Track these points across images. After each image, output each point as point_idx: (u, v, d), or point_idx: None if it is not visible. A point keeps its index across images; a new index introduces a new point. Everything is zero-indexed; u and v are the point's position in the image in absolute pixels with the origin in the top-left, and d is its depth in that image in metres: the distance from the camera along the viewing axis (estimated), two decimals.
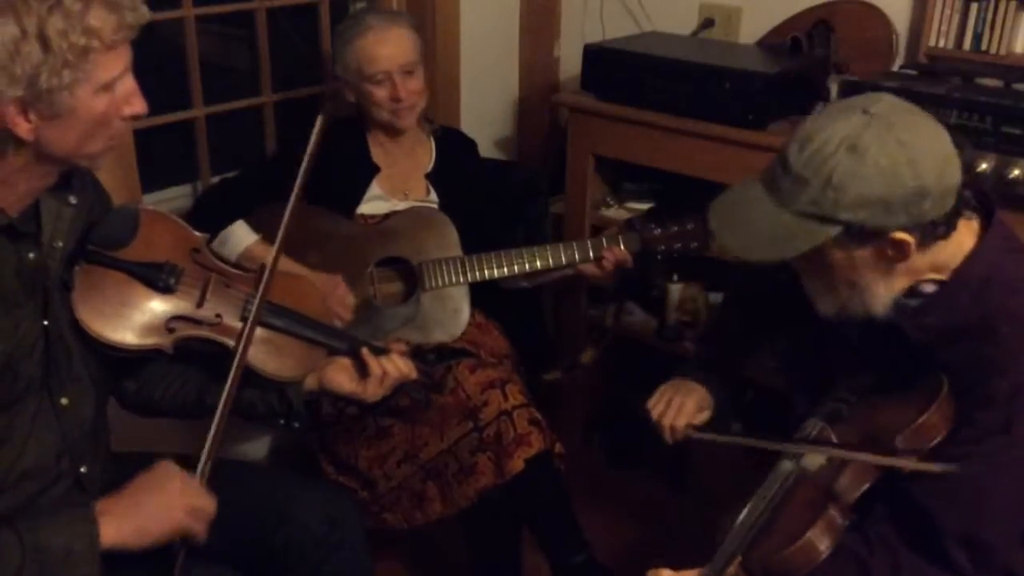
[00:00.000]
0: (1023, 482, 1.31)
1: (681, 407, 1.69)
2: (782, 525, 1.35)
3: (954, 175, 1.27)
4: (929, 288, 1.37)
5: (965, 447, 1.31)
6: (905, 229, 1.27)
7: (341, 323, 2.05)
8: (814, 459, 1.42)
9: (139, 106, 1.33)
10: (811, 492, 1.37)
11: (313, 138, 1.59)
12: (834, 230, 1.27)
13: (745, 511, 1.40)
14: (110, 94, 1.28)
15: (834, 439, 1.41)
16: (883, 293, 1.35)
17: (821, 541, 1.32)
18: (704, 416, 1.70)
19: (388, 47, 2.16)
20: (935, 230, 1.30)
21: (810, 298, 1.41)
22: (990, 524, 1.31)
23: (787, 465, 1.43)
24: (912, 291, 1.38)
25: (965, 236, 1.36)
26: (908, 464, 1.30)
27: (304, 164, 1.58)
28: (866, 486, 1.35)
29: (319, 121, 1.59)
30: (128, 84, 1.31)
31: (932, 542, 1.33)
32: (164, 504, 1.34)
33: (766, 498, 1.40)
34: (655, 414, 1.71)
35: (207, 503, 1.40)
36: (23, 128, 1.23)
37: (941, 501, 1.32)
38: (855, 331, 1.46)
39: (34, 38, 1.17)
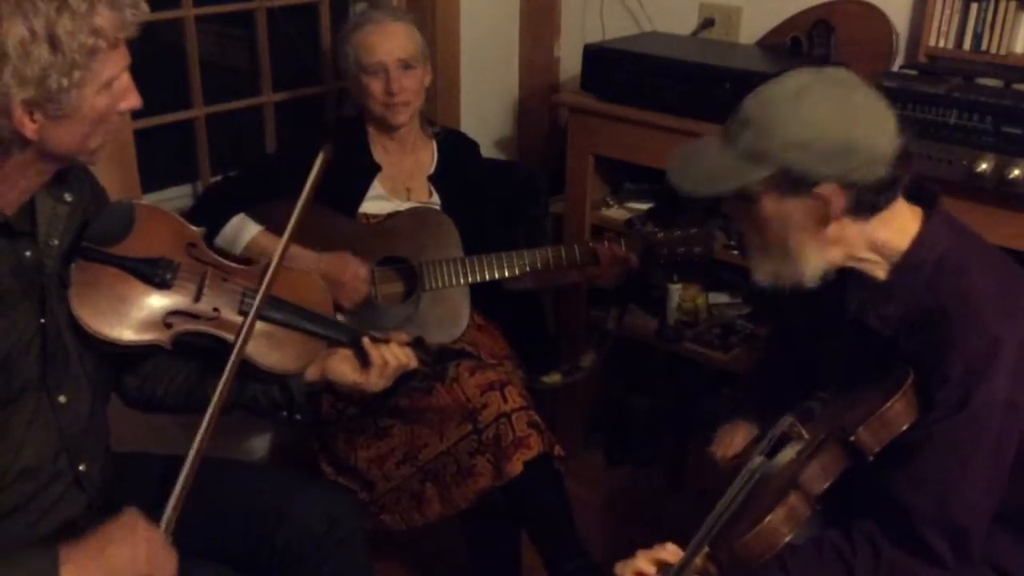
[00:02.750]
0: (987, 457, 1.33)
1: (730, 442, 1.75)
2: (748, 515, 1.38)
3: (887, 145, 1.31)
4: (880, 274, 1.41)
5: (928, 428, 1.34)
6: (831, 183, 1.31)
7: (359, 299, 2.08)
8: (784, 453, 1.44)
9: (135, 100, 1.34)
10: (777, 484, 1.39)
11: (313, 174, 1.59)
12: (763, 171, 1.32)
13: (716, 505, 1.43)
14: (110, 91, 1.29)
15: (805, 435, 1.42)
16: (813, 260, 1.39)
17: (781, 527, 1.33)
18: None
19: (386, 40, 2.18)
20: (867, 199, 1.33)
21: (749, 265, 1.46)
22: (960, 504, 1.34)
23: (758, 459, 1.46)
24: (862, 277, 1.42)
25: (909, 221, 1.40)
26: None
27: (302, 199, 1.58)
28: (832, 479, 1.36)
29: (320, 158, 1.60)
30: (125, 80, 1.32)
31: (911, 534, 1.35)
32: (130, 554, 1.30)
33: (735, 492, 1.42)
34: (710, 449, 1.77)
35: (170, 557, 1.36)
36: (29, 128, 1.24)
37: (913, 489, 1.35)
38: (840, 340, 1.50)
39: (43, 39, 1.18)
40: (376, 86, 2.19)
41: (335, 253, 2.09)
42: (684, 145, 1.47)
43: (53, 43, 1.19)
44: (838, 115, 1.29)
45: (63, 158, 1.33)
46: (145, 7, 1.30)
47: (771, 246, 1.41)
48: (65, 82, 1.21)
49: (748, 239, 1.44)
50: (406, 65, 2.18)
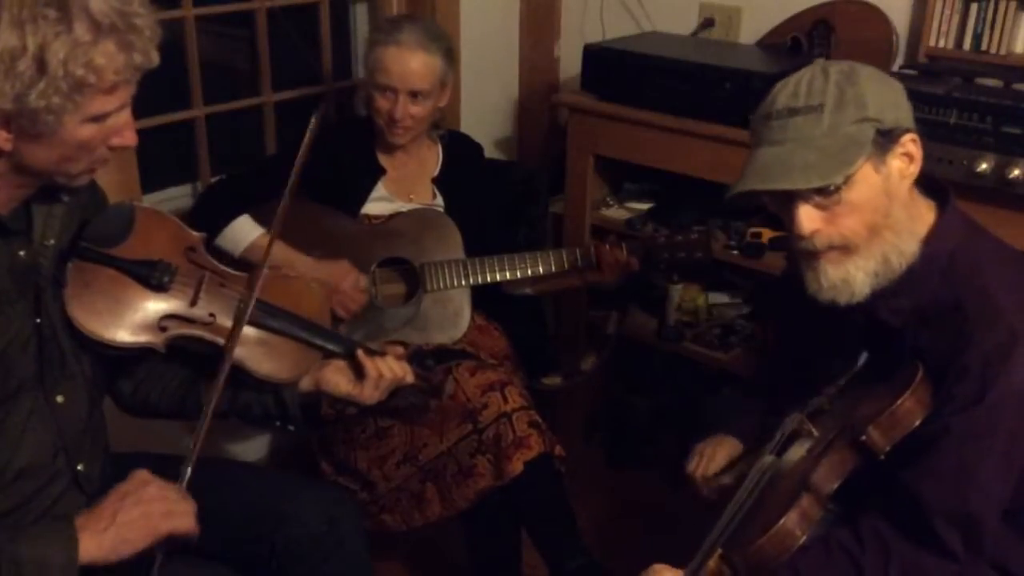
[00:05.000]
0: (1002, 449, 1.33)
1: (712, 458, 1.71)
2: (760, 517, 1.37)
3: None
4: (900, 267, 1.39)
5: (944, 420, 1.33)
6: (910, 133, 1.34)
7: (356, 308, 2.08)
8: (793, 451, 1.43)
9: (130, 139, 1.31)
10: (789, 484, 1.39)
11: (307, 137, 1.59)
12: (871, 129, 1.30)
13: (728, 506, 1.42)
14: (99, 124, 1.26)
15: (814, 432, 1.42)
16: (907, 233, 1.37)
17: (795, 529, 1.32)
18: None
19: (405, 67, 2.12)
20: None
21: (846, 278, 1.37)
22: (976, 496, 1.33)
23: (767, 459, 1.45)
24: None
25: (925, 213, 1.40)
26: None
27: (298, 162, 1.57)
28: (842, 478, 1.36)
29: (313, 121, 1.59)
30: (122, 118, 1.29)
31: (923, 526, 1.34)
32: (142, 512, 1.31)
33: (747, 492, 1.42)
34: (688, 469, 1.73)
35: (187, 505, 1.37)
36: (2, 138, 1.22)
37: (927, 481, 1.34)
38: (844, 334, 1.49)
39: (32, 57, 1.16)
40: (383, 104, 2.16)
41: (335, 261, 2.09)
42: (751, 171, 1.36)
43: (40, 64, 1.16)
44: (884, 76, 1.37)
45: (39, 174, 1.31)
46: (156, 56, 1.26)
47: (874, 225, 1.35)
48: (43, 103, 1.18)
49: (848, 235, 1.35)
50: (416, 95, 2.15)
